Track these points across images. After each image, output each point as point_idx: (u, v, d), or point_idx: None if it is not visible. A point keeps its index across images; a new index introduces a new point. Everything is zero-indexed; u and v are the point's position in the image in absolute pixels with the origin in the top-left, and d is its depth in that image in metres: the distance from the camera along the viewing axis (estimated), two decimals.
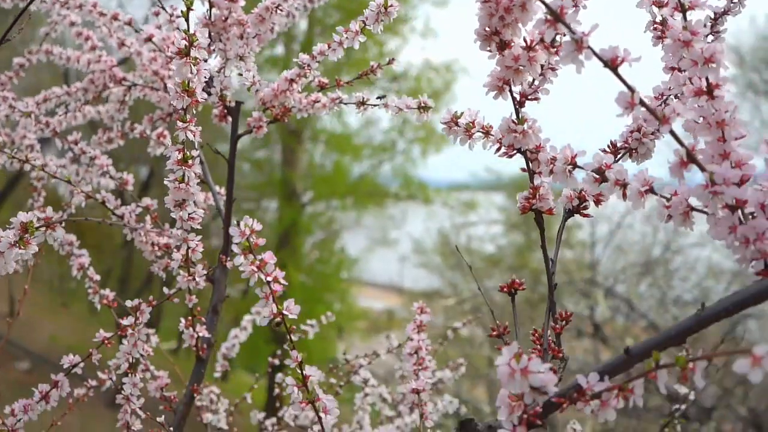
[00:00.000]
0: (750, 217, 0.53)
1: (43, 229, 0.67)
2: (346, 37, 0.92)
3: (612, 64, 0.52)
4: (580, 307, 7.04)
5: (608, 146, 0.70)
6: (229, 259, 1.00)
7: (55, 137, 1.18)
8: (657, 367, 0.48)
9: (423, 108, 0.86)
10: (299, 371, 0.66)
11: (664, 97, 0.70)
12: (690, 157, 0.53)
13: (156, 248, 1.04)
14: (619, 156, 0.70)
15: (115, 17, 1.11)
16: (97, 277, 1.11)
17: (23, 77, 1.32)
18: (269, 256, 0.64)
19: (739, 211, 0.54)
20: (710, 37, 0.74)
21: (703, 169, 0.52)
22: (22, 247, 0.68)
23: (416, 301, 1.52)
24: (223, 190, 1.12)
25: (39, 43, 1.32)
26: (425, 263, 11.12)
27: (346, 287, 11.32)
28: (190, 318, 0.97)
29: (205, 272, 0.92)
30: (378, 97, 0.98)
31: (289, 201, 11.10)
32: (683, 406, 1.14)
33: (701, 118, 0.55)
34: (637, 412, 6.48)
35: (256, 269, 0.63)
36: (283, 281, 0.64)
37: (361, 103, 0.98)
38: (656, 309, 6.76)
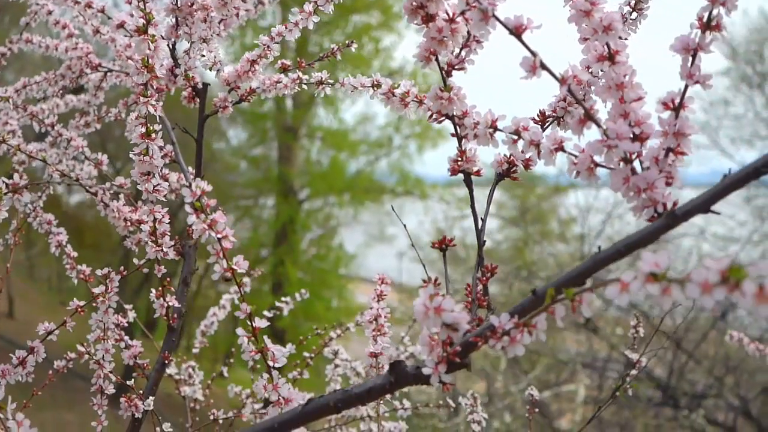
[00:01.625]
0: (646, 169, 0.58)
1: (11, 194, 0.72)
2: (301, 18, 0.98)
3: (517, 31, 0.57)
4: None
5: (537, 114, 0.76)
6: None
7: (33, 120, 1.23)
8: (554, 301, 0.54)
9: (375, 86, 0.91)
10: (249, 323, 0.71)
11: (590, 69, 0.75)
12: (588, 116, 0.58)
13: (128, 224, 1.09)
14: (547, 123, 0.75)
15: (88, 5, 1.15)
16: (75, 254, 1.16)
17: (5, 65, 1.37)
18: (219, 216, 0.69)
19: (638, 164, 0.60)
20: (634, 14, 0.79)
21: (599, 126, 0.58)
22: None
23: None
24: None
25: (20, 32, 1.37)
26: (422, 258, 11.13)
27: (344, 283, 11.37)
28: (160, 288, 1.03)
29: (172, 243, 0.97)
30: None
31: (286, 198, 11.16)
32: (634, 372, 1.20)
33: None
34: (629, 402, 6.55)
35: (207, 227, 0.68)
36: (233, 238, 0.69)
37: (320, 83, 1.03)
38: (648, 299, 6.82)
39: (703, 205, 0.53)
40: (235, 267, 0.69)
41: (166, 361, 1.06)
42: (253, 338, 0.71)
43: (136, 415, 1.02)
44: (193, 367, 1.36)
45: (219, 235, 0.68)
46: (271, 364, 0.71)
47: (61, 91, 1.27)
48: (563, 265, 8.12)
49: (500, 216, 11.15)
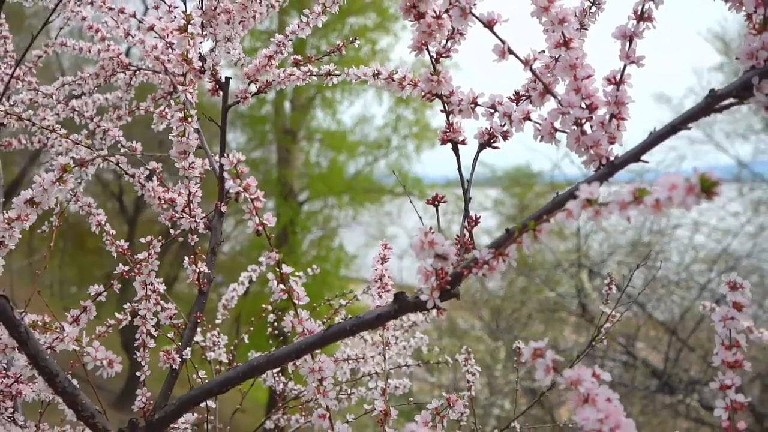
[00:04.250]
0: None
1: (78, 167, 0.88)
2: (312, 18, 1.13)
3: (489, 24, 0.72)
4: (570, 290, 7.27)
5: (513, 94, 0.91)
6: (224, 204, 1.20)
7: (74, 114, 1.38)
8: (521, 233, 0.69)
9: (375, 75, 1.06)
10: (278, 269, 0.87)
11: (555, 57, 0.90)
12: (546, 90, 0.74)
13: (162, 202, 1.24)
14: (521, 102, 0.90)
15: (121, 11, 1.31)
16: (113, 231, 1.32)
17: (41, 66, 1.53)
18: (252, 181, 0.84)
19: (589, 128, 0.75)
20: (594, 8, 0.94)
21: (555, 97, 0.73)
22: (61, 183, 0.88)
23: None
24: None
25: (54, 36, 1.53)
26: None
27: (345, 284, 11.50)
28: (193, 256, 1.18)
29: (204, 215, 1.13)
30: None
31: (286, 200, 11.29)
32: (608, 325, 1.35)
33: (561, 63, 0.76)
34: (626, 388, 6.70)
35: (242, 190, 0.83)
36: (263, 199, 0.85)
37: (328, 74, 1.18)
38: (643, 289, 6.97)
39: (635, 155, 0.69)
40: (265, 222, 0.85)
41: (198, 320, 1.21)
42: (281, 281, 0.86)
43: (174, 367, 1.18)
44: (218, 333, 1.51)
45: (252, 196, 0.84)
46: (296, 302, 0.86)
47: (96, 89, 1.42)
48: (561, 260, 8.30)
49: (499, 212, 11.29)
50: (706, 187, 0.49)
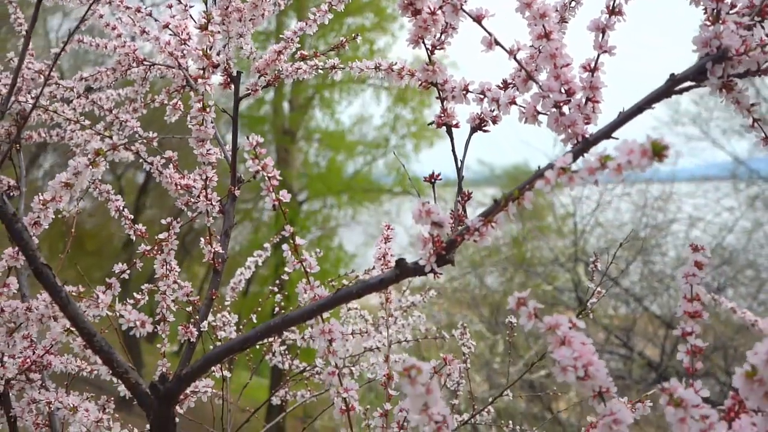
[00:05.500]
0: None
1: (111, 151, 0.97)
2: (319, 16, 1.23)
3: (478, 19, 0.82)
4: (567, 284, 7.37)
5: (501, 82, 1.00)
6: (237, 189, 1.29)
7: (94, 106, 1.48)
8: (507, 202, 0.78)
9: (377, 68, 1.16)
10: (292, 241, 0.96)
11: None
12: (528, 76, 0.83)
13: (178, 188, 1.34)
14: (508, 88, 1.00)
15: (138, 10, 1.40)
16: (131, 216, 1.41)
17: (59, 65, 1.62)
18: (269, 161, 0.94)
19: (566, 109, 0.85)
20: (573, 3, 1.04)
21: (537, 83, 0.83)
22: (94, 166, 0.98)
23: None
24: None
25: (71, 34, 1.62)
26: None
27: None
28: (208, 237, 1.27)
29: (219, 198, 1.22)
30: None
31: None
32: (594, 300, 1.44)
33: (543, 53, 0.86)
34: (624, 382, 6.80)
35: (260, 169, 0.93)
36: (279, 177, 0.94)
37: (333, 68, 1.28)
38: (639, 283, 7.09)
39: (606, 133, 0.78)
40: (281, 198, 0.94)
41: (213, 297, 1.31)
42: (295, 252, 0.96)
43: (191, 339, 1.27)
44: (229, 312, 1.61)
45: (269, 175, 0.93)
46: (308, 270, 0.96)
47: (113, 83, 1.52)
48: (558, 254, 8.39)
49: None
50: (658, 151, 0.58)
